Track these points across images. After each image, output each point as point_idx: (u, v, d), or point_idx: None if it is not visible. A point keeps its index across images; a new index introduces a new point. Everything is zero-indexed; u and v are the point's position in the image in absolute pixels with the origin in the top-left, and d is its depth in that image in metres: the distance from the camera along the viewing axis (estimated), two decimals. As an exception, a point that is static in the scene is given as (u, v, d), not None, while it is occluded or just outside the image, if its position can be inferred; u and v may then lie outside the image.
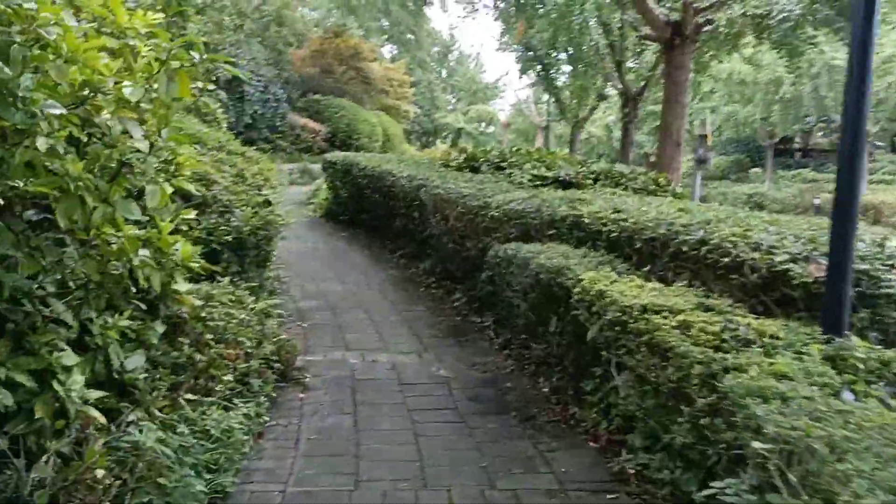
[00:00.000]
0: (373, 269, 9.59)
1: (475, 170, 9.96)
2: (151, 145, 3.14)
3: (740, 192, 25.85)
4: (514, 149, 10.78)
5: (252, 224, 6.05)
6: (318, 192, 16.21)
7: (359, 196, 11.97)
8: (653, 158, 37.83)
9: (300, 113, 26.84)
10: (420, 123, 45.85)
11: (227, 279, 5.53)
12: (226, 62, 3.70)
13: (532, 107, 36.86)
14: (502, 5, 17.19)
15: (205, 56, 3.13)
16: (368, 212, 11.87)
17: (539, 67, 23.08)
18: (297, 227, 12.57)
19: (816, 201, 23.32)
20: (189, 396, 3.65)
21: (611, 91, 22.90)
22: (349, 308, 7.54)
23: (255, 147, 23.18)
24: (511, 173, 8.94)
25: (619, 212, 5.16)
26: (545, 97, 30.84)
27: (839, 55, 24.71)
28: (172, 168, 3.54)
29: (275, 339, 5.09)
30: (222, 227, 5.86)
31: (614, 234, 4.95)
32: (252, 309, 5.17)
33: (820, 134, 35.85)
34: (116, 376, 3.43)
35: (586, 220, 5.26)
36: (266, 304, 5.47)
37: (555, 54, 22.34)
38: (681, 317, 3.21)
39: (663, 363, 3.09)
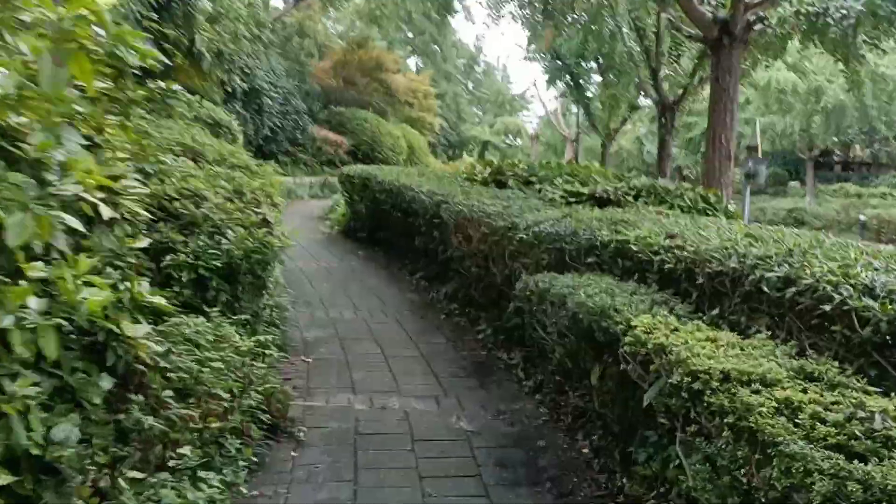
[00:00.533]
0: (389, 293, 8.81)
1: (502, 185, 9.17)
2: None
3: (779, 208, 24.71)
4: (544, 162, 9.96)
5: (245, 247, 5.30)
6: (336, 206, 15.53)
7: (377, 212, 11.23)
8: (686, 172, 36.72)
9: (322, 125, 26.34)
10: (446, 136, 45.23)
11: (216, 310, 4.79)
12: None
13: (561, 118, 35.98)
14: (528, 12, 16.36)
15: (112, 32, 2.34)
16: (387, 229, 11.12)
17: (568, 77, 22.23)
18: (312, 244, 11.88)
19: (862, 218, 22.07)
20: (134, 475, 2.87)
21: (643, 101, 21.95)
22: (361, 339, 6.76)
23: (274, 160, 22.74)
24: (541, 189, 8.13)
25: (672, 237, 4.31)
26: (574, 108, 29.98)
27: (883, 62, 23.55)
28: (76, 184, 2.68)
29: (263, 387, 4.31)
30: (211, 251, 5.12)
31: (669, 266, 4.09)
32: (239, 349, 4.40)
33: (860, 146, 34.45)
34: (38, 452, 2.67)
35: (633, 248, 4.40)
36: (256, 342, 4.69)
37: (584, 63, 21.49)
38: (781, 392, 2.35)
39: (760, 458, 2.24)
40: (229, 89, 16.59)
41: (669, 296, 3.94)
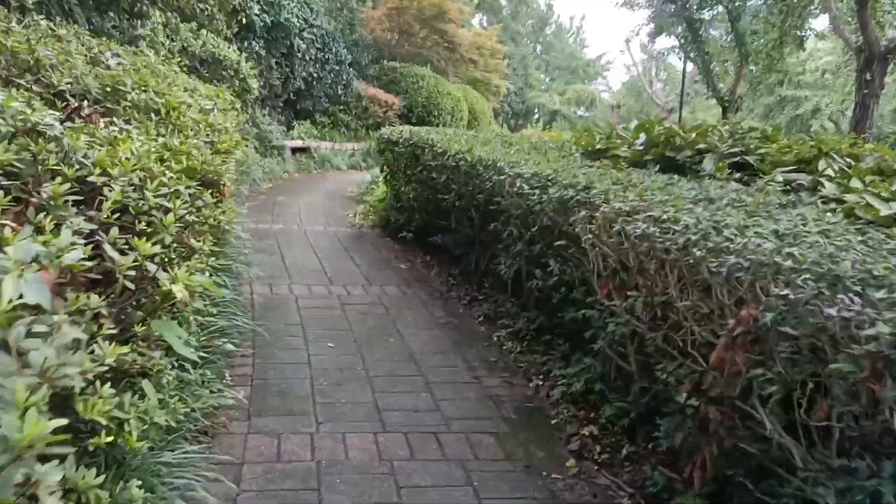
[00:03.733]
0: (453, 370, 4.51)
1: (671, 168, 4.75)
2: None
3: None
4: (750, 130, 5.37)
5: None
6: (375, 184, 11.28)
7: (432, 201, 6.93)
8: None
9: (370, 82, 22.03)
10: (509, 103, 40.47)
11: None
12: None
13: (655, 84, 30.72)
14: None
15: None
16: (448, 232, 6.83)
17: (683, 26, 17.33)
18: (328, 245, 7.68)
19: None
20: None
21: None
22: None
23: (309, 121, 18.56)
24: (789, 184, 3.68)
25: None
26: (678, 68, 24.85)
27: None
28: None
29: None
30: None
31: None
32: None
33: None
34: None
35: None
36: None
37: (708, 6, 16.59)
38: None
39: None
40: (243, 19, 12.41)
41: None
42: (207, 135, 4.55)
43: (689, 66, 21.19)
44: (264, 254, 7.08)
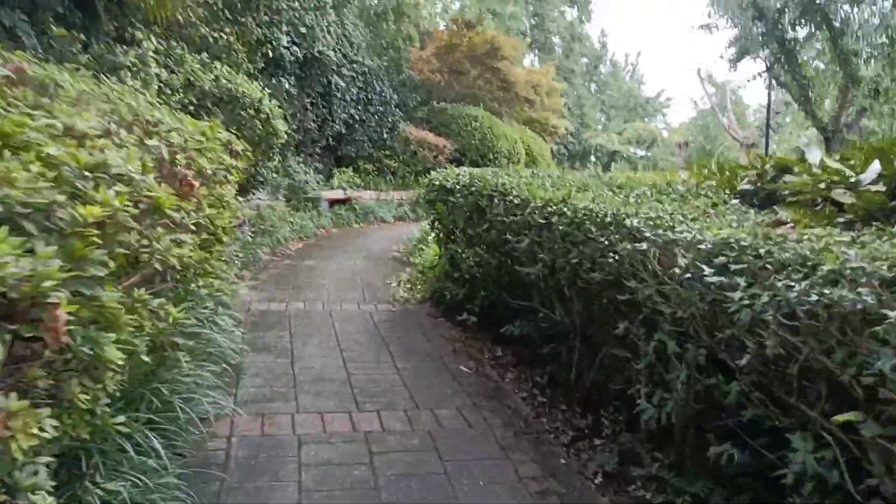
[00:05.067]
0: None
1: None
2: None
3: None
4: None
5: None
6: (423, 242, 9.21)
7: (506, 272, 4.77)
8: None
9: (419, 125, 20.27)
10: (565, 145, 38.41)
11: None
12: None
13: (731, 117, 28.14)
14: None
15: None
16: (531, 314, 4.63)
17: (773, 47, 15.02)
18: (366, 331, 5.55)
19: None
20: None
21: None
22: None
23: (352, 168, 16.74)
24: None
25: None
26: (730, 107, 22.38)
27: None
28: None
29: None
30: None
31: None
32: None
33: None
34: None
35: None
36: None
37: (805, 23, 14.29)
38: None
39: None
40: (269, 52, 10.68)
41: None
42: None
43: (774, 96, 18.74)
44: (267, 353, 5.00)
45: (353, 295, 7.03)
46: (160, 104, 5.63)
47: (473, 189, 5.13)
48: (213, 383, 3.72)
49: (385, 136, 17.24)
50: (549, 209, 3.89)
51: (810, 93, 14.91)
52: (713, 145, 33.99)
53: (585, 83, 46.18)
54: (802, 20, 14.46)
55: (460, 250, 5.75)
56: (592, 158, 43.80)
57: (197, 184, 3.55)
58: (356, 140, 15.98)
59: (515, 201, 4.36)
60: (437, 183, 6.16)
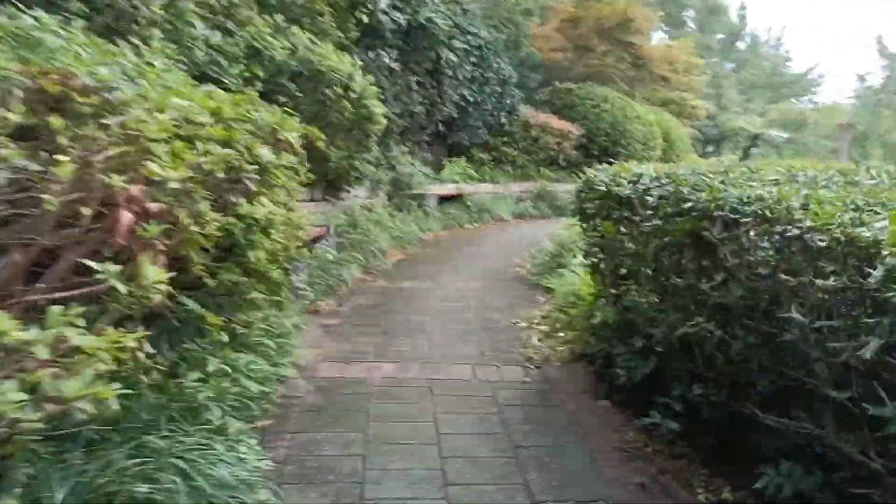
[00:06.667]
0: None
1: None
2: None
3: None
4: None
5: None
6: (562, 252, 6.89)
7: (759, 362, 2.38)
8: None
9: (540, 108, 17.85)
10: (699, 128, 34.58)
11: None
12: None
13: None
14: None
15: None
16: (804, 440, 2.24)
17: None
18: (484, 432, 3.26)
19: None
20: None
21: None
22: None
23: (465, 157, 14.54)
24: None
25: None
26: None
27: None
28: None
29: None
30: None
31: None
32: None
33: None
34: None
35: None
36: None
37: None
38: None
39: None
40: (365, 17, 8.67)
41: None
42: None
43: None
44: (315, 489, 2.90)
45: (465, 347, 4.83)
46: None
47: (688, 205, 2.78)
48: None
49: (503, 120, 14.97)
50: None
51: None
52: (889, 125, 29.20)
53: (722, 61, 41.75)
54: None
55: (643, 301, 3.42)
56: (734, 141, 39.60)
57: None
58: (470, 125, 13.80)
59: (818, 241, 2.00)
60: (602, 188, 3.81)
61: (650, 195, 3.09)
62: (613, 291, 3.96)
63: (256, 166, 3.16)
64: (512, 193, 14.55)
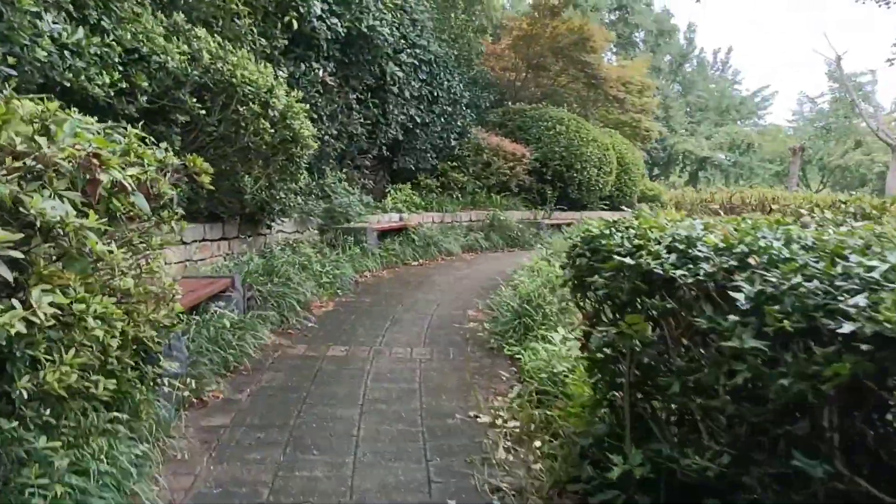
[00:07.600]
0: None
1: None
2: None
3: None
4: None
5: None
6: (529, 317, 5.57)
7: None
8: None
9: (492, 129, 16.70)
10: (648, 151, 34.16)
11: None
12: None
13: (879, 116, 23.40)
14: None
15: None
16: None
17: None
18: None
19: None
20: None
21: None
22: None
23: (410, 184, 12.87)
24: None
25: None
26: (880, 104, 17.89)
27: None
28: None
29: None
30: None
31: None
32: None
33: None
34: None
35: None
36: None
37: None
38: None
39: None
40: (295, 23, 7.26)
41: None
42: None
43: None
44: None
45: (406, 469, 3.41)
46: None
47: (846, 328, 1.42)
48: None
49: (453, 142, 13.71)
50: None
51: None
52: (841, 150, 29.11)
53: (669, 83, 41.74)
54: None
55: (704, 461, 2.08)
56: (680, 165, 39.52)
57: None
58: (417, 149, 12.47)
59: None
60: (617, 257, 2.40)
61: (736, 285, 1.73)
62: (627, 398, 2.60)
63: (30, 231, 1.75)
64: (461, 222, 13.27)
